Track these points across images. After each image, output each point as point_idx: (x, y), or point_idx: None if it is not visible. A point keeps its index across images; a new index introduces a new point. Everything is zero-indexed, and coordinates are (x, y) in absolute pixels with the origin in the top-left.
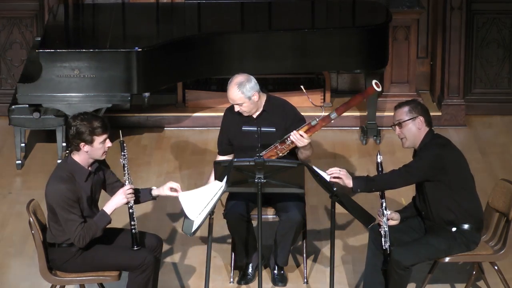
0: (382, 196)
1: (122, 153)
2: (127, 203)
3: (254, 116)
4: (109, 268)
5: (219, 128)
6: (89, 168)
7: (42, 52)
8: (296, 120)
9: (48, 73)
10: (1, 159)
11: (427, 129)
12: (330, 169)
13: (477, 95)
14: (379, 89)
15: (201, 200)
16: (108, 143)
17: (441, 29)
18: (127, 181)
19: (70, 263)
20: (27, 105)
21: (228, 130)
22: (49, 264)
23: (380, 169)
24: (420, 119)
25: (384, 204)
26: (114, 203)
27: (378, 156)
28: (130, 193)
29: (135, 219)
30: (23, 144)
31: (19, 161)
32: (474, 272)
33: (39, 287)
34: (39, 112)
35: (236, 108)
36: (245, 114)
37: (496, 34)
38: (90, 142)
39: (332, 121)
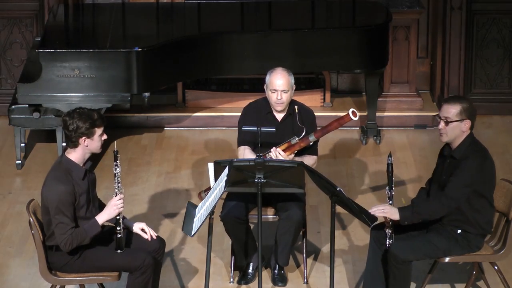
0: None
1: (115, 163)
2: None
3: (279, 119)
4: (109, 269)
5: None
6: (84, 167)
7: (42, 52)
8: (313, 130)
9: (48, 73)
10: (1, 159)
11: (469, 131)
12: (373, 208)
13: (477, 95)
14: (355, 118)
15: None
16: (104, 136)
17: (441, 29)
18: (117, 191)
19: (69, 265)
20: (27, 105)
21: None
22: (49, 264)
23: (390, 170)
24: (468, 122)
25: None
26: (106, 215)
27: (389, 158)
28: (120, 204)
29: (121, 225)
30: (23, 144)
31: (19, 161)
32: (474, 272)
33: (39, 287)
34: (39, 112)
35: (277, 97)
36: (280, 108)
37: (496, 34)
38: (91, 135)
39: (311, 143)
